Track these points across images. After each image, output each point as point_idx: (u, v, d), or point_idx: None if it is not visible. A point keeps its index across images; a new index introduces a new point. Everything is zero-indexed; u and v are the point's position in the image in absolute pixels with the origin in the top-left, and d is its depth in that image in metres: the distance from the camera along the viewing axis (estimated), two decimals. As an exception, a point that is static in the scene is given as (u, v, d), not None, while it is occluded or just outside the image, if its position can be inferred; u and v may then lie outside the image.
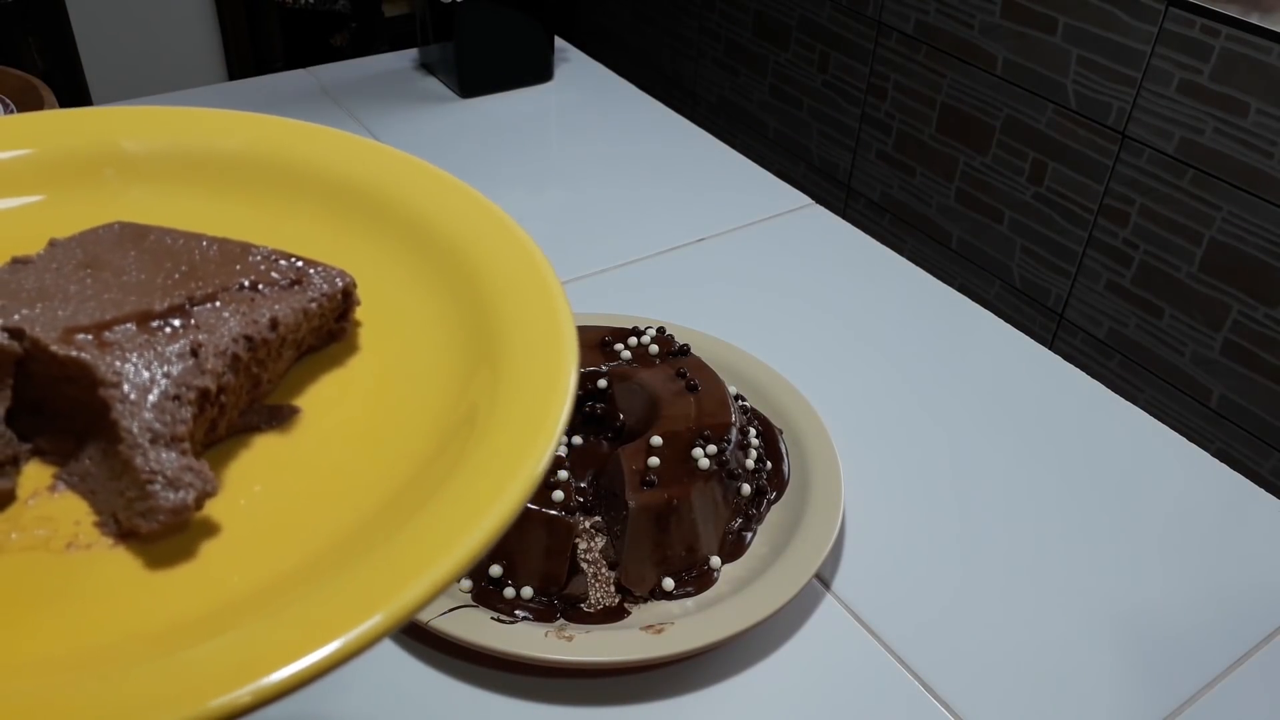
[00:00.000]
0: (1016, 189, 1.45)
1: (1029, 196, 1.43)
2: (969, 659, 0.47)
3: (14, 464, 0.23)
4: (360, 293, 0.28)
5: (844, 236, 0.79)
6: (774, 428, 0.56)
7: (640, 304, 0.69)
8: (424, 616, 0.44)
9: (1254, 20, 1.12)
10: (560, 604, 0.46)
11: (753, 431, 0.55)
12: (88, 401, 0.23)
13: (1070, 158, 1.36)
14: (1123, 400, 0.63)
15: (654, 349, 0.56)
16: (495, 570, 0.47)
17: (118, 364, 0.23)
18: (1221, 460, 0.59)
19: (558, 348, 0.25)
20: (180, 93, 0.95)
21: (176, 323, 0.24)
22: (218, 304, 0.25)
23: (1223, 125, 1.18)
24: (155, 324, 0.24)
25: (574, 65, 1.05)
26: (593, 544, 0.48)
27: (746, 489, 0.51)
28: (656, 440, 0.49)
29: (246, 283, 0.26)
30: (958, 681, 0.46)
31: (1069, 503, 0.56)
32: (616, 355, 0.56)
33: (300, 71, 1.00)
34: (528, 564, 0.47)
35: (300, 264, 0.27)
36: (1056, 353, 0.67)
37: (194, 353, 0.23)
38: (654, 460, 0.48)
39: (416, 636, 0.46)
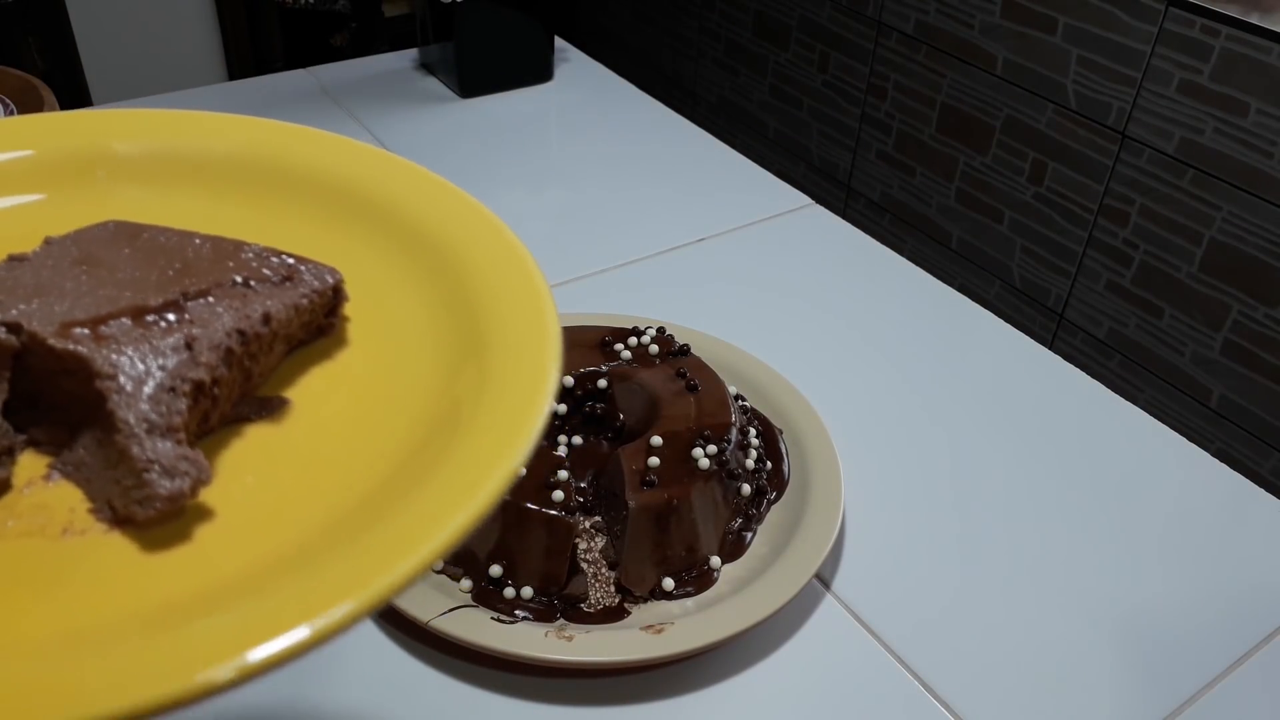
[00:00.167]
0: (1016, 189, 1.45)
1: (1029, 196, 1.43)
2: (969, 659, 0.47)
3: (9, 454, 0.24)
4: (349, 290, 0.28)
5: (844, 236, 0.79)
6: (774, 428, 0.56)
7: (640, 304, 0.69)
8: (424, 616, 0.44)
9: (1254, 20, 1.12)
10: (560, 604, 0.46)
11: (753, 431, 0.55)
12: (84, 394, 0.23)
13: (1070, 158, 1.36)
14: (1123, 400, 0.63)
15: (654, 349, 0.56)
16: (495, 570, 0.47)
17: (114, 357, 0.23)
18: (1221, 460, 0.59)
19: (542, 346, 0.25)
20: (180, 93, 0.95)
21: (171, 317, 0.25)
22: (211, 299, 0.26)
23: (1223, 125, 1.18)
24: (150, 318, 0.25)
25: (574, 65, 1.05)
26: (593, 544, 0.48)
27: (746, 489, 0.51)
28: (656, 440, 0.49)
29: (239, 279, 0.27)
30: (958, 681, 0.46)
31: (1069, 503, 0.56)
32: (616, 355, 0.56)
33: (300, 71, 1.00)
34: (528, 564, 0.47)
35: (291, 261, 0.28)
36: (1056, 353, 0.67)
37: (188, 346, 0.24)
38: (654, 460, 0.48)
39: (417, 636, 0.46)
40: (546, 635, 0.44)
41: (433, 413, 0.24)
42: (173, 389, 0.23)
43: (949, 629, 0.49)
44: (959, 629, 0.49)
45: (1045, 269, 1.45)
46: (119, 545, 0.22)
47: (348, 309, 0.28)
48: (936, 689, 0.46)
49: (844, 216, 0.99)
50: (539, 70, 1.00)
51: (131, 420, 0.22)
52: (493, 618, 0.45)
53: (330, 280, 0.28)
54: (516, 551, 0.47)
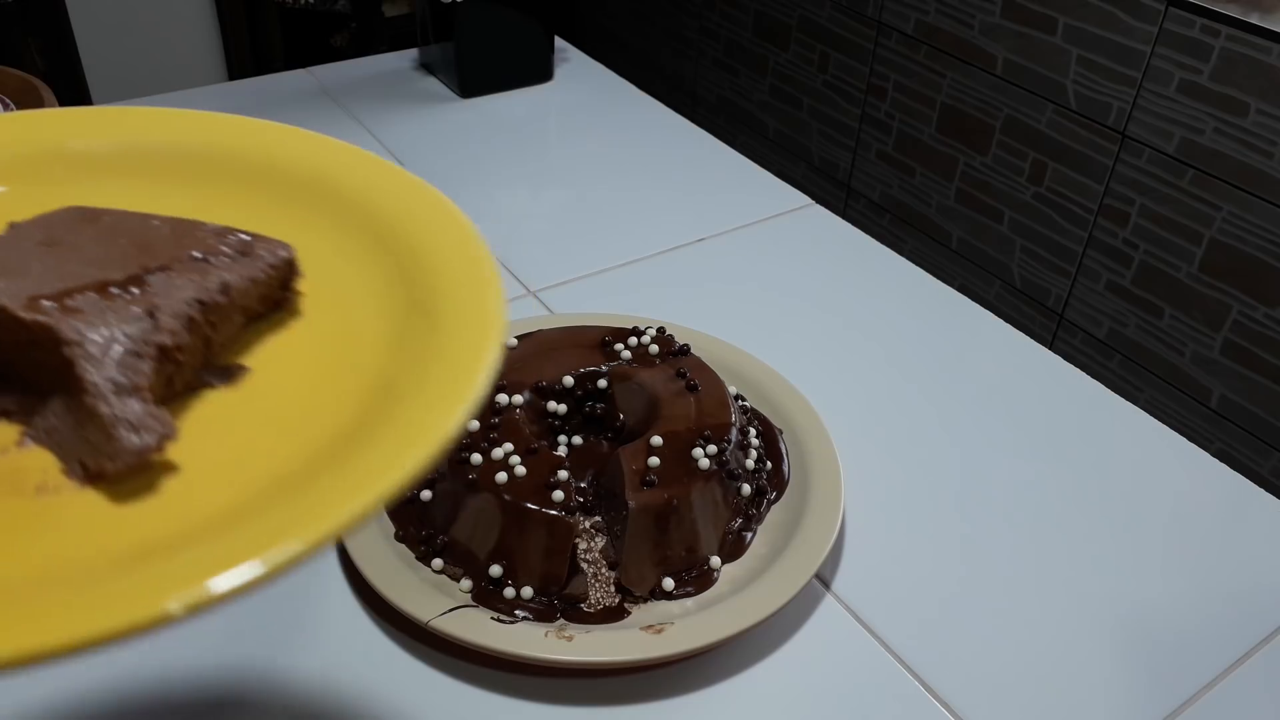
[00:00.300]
0: (1016, 189, 1.45)
1: (1029, 196, 1.43)
2: (969, 659, 0.47)
3: None
4: (303, 267, 0.30)
5: (844, 236, 0.79)
6: (774, 428, 0.56)
7: (640, 304, 0.69)
8: (424, 616, 0.44)
9: (1254, 20, 1.12)
10: (560, 604, 0.46)
11: (753, 431, 0.55)
12: (52, 362, 0.25)
13: (1070, 158, 1.36)
14: (1123, 400, 0.63)
15: (654, 349, 0.56)
16: (495, 570, 0.47)
17: (80, 326, 0.25)
18: (1221, 460, 0.59)
19: (485, 313, 0.27)
20: (180, 93, 0.95)
21: (134, 290, 0.26)
22: (171, 273, 0.27)
23: (1223, 125, 1.18)
24: (114, 291, 0.26)
25: (574, 65, 1.05)
26: (593, 544, 0.48)
27: (746, 489, 0.51)
28: (656, 440, 0.49)
29: (197, 254, 0.28)
30: (958, 681, 0.46)
31: (1069, 502, 0.56)
32: (616, 355, 0.56)
33: (300, 71, 1.00)
34: (528, 564, 0.47)
35: (246, 238, 0.30)
36: (1056, 353, 0.67)
37: (151, 314, 0.26)
38: (654, 460, 0.48)
39: (417, 636, 0.46)
40: (546, 635, 0.44)
41: (380, 378, 0.26)
42: (137, 353, 0.25)
43: (949, 629, 0.49)
44: (959, 629, 0.49)
45: (1045, 269, 1.45)
46: (91, 499, 0.23)
47: (301, 285, 0.30)
48: (936, 689, 0.46)
49: (844, 216, 0.99)
50: (539, 70, 1.00)
51: (99, 382, 0.24)
52: (493, 618, 0.45)
53: (284, 255, 0.29)
54: (516, 551, 0.47)
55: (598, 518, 0.48)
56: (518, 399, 0.52)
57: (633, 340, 0.56)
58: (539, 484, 0.47)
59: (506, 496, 0.47)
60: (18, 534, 0.23)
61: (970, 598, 0.50)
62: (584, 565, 0.47)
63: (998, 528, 0.54)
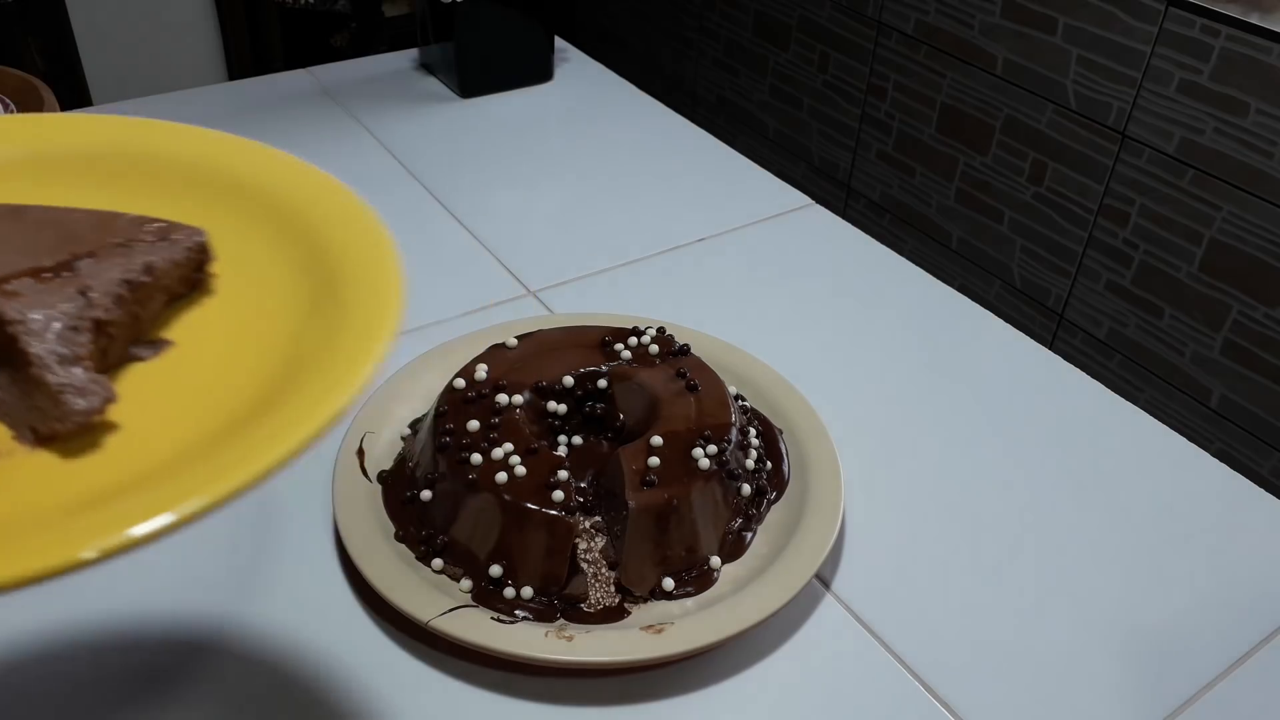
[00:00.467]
0: (1016, 189, 1.45)
1: (1029, 196, 1.43)
2: (969, 659, 0.47)
3: None
4: (217, 252, 0.33)
5: (844, 236, 0.79)
6: (774, 428, 0.56)
7: (640, 304, 0.69)
8: (424, 616, 0.44)
9: (1254, 20, 1.12)
10: (560, 604, 0.46)
11: (753, 431, 0.55)
12: None
13: (1070, 158, 1.36)
14: (1123, 400, 0.63)
15: (654, 349, 0.56)
16: (495, 570, 0.47)
17: (21, 306, 0.27)
18: (1221, 460, 0.59)
19: (386, 294, 0.30)
20: (180, 93, 0.95)
21: (66, 274, 0.29)
22: (98, 258, 0.30)
23: (1223, 125, 1.18)
24: (47, 275, 0.29)
25: (574, 65, 1.05)
26: (593, 544, 0.48)
27: (746, 489, 0.51)
28: (657, 440, 0.49)
29: (120, 241, 0.31)
30: (958, 681, 0.46)
31: (1069, 502, 0.56)
32: (616, 355, 0.56)
33: (300, 71, 1.00)
34: (528, 564, 0.47)
35: (163, 225, 0.32)
36: (1056, 353, 0.67)
37: (84, 294, 0.29)
38: (654, 460, 0.48)
39: (417, 636, 0.46)
40: (546, 635, 0.44)
41: (290, 350, 0.30)
42: (75, 327, 0.28)
43: (949, 629, 0.49)
44: (959, 629, 0.49)
45: (1045, 269, 1.45)
46: (43, 459, 0.26)
47: (215, 268, 0.33)
48: (936, 689, 0.46)
49: (844, 216, 0.99)
50: (539, 70, 1.00)
51: (43, 354, 0.26)
52: (493, 618, 0.45)
53: (198, 238, 0.33)
54: (516, 551, 0.47)
55: (598, 518, 0.48)
56: (518, 399, 0.52)
57: (633, 340, 0.57)
58: (539, 484, 0.47)
59: (506, 496, 0.47)
60: None
61: (970, 598, 0.50)
62: (584, 565, 0.47)
63: (998, 528, 0.54)
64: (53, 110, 0.79)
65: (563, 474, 0.48)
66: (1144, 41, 1.23)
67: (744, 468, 0.52)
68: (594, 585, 0.47)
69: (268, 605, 0.47)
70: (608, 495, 0.49)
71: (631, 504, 0.47)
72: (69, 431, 0.26)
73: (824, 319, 0.69)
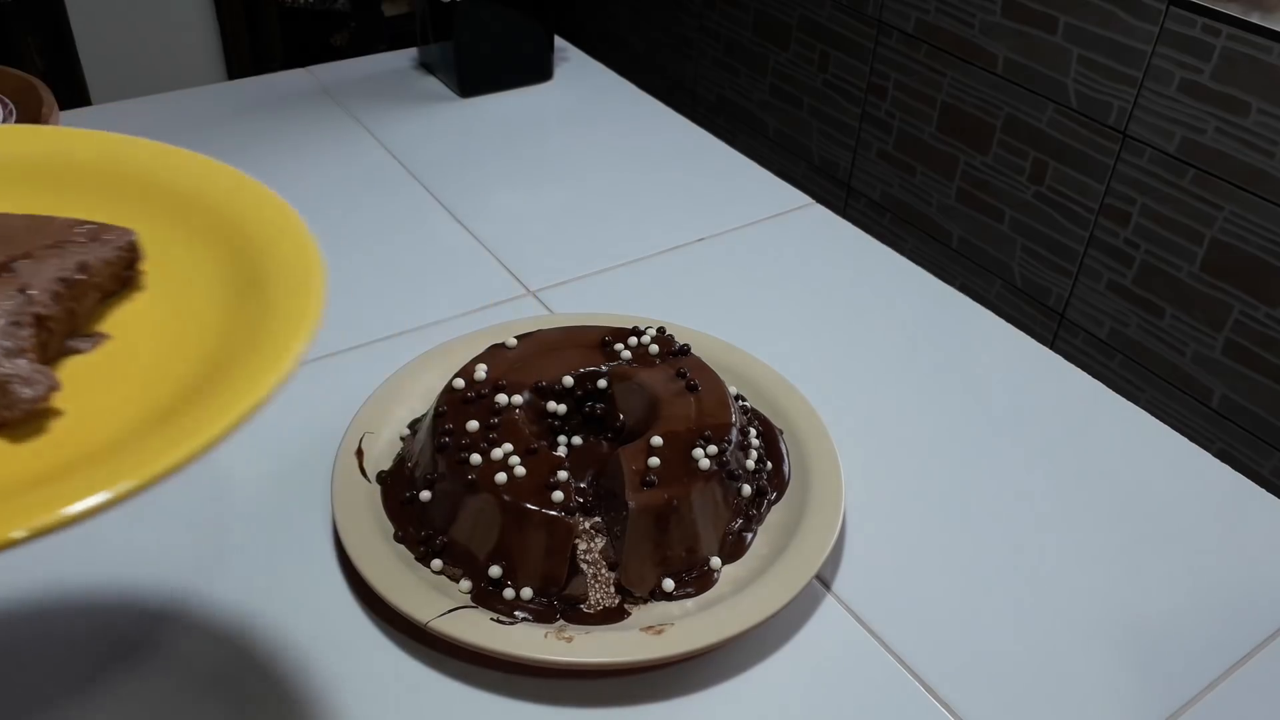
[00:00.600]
0: (1017, 188, 1.45)
1: (1029, 196, 1.43)
2: (969, 659, 0.47)
3: None
4: (147, 253, 0.35)
5: (844, 236, 0.79)
6: (774, 428, 0.56)
7: (640, 304, 0.69)
8: (424, 617, 0.44)
9: (1255, 20, 1.12)
10: (560, 605, 0.46)
11: (753, 431, 0.55)
12: None
13: (1071, 157, 1.36)
14: (1124, 400, 0.63)
15: (654, 349, 0.56)
16: (495, 571, 0.46)
17: None
18: (1222, 460, 0.59)
19: (307, 288, 0.32)
20: (179, 92, 0.95)
21: (6, 275, 0.31)
22: (34, 260, 0.32)
23: (1224, 125, 1.18)
24: None
25: (574, 65, 1.05)
26: (593, 544, 0.48)
27: (747, 489, 0.51)
28: (657, 440, 0.49)
29: (54, 242, 0.33)
30: (958, 681, 0.46)
31: (1069, 502, 0.56)
32: (616, 355, 0.55)
33: (299, 71, 1.00)
34: (527, 565, 0.47)
35: (93, 226, 0.34)
36: (1057, 352, 0.67)
37: (23, 291, 0.30)
38: (654, 460, 0.48)
39: (416, 637, 0.46)
40: (546, 636, 0.44)
41: (218, 341, 0.32)
42: (17, 322, 0.29)
43: (949, 629, 0.48)
44: (959, 629, 0.49)
45: (1046, 268, 1.45)
46: None
47: (146, 267, 0.35)
48: (936, 689, 0.46)
49: (844, 216, 0.99)
50: (539, 70, 1.00)
51: None
52: (492, 618, 0.45)
53: (128, 238, 0.34)
54: (516, 552, 0.47)
55: (598, 518, 0.48)
56: (518, 399, 0.52)
57: (633, 340, 0.56)
58: (539, 484, 0.47)
59: (506, 497, 0.47)
60: None
61: (970, 598, 0.50)
62: (584, 566, 0.47)
63: (998, 528, 0.54)
64: (52, 110, 0.79)
65: (562, 474, 0.48)
66: (1145, 41, 1.23)
67: (744, 468, 0.52)
68: (594, 586, 0.47)
69: (267, 605, 0.47)
70: (608, 495, 0.49)
71: (631, 504, 0.47)
72: (16, 419, 0.28)
73: (824, 319, 0.69)
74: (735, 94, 1.93)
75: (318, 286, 0.32)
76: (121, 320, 0.34)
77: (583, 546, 0.47)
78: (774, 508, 0.52)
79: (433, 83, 0.99)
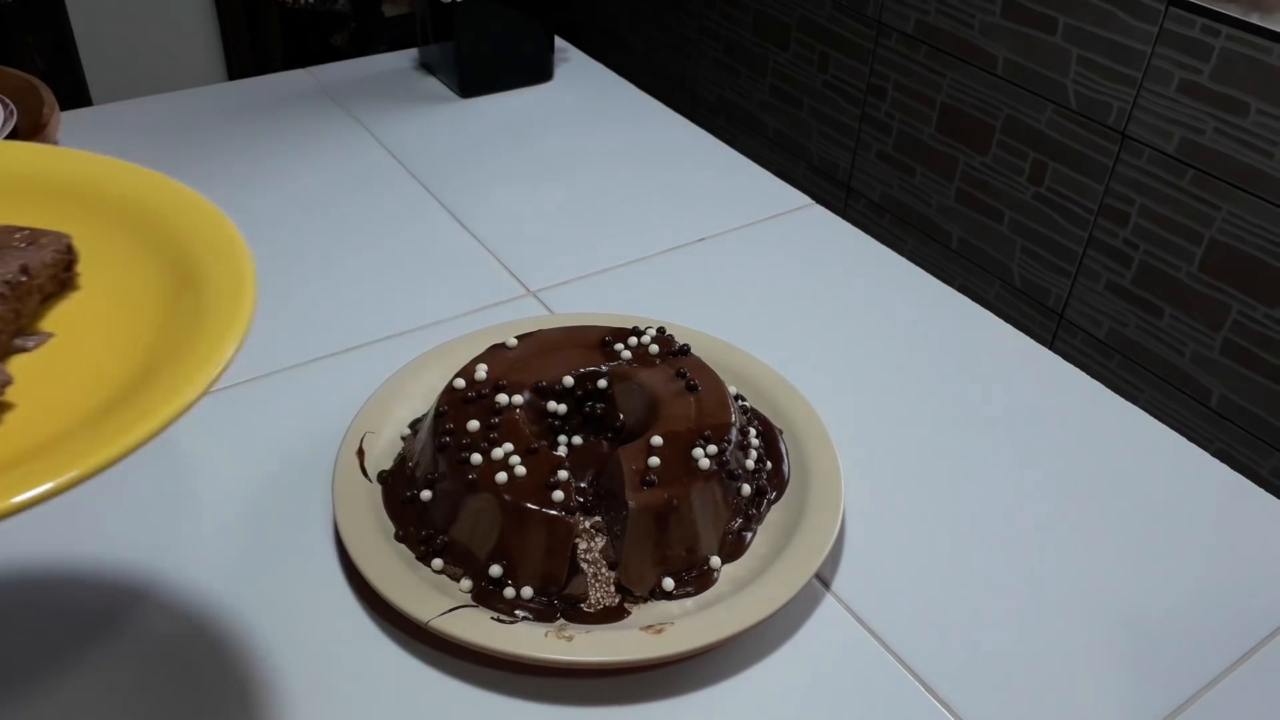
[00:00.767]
0: (1016, 189, 1.45)
1: (1029, 196, 1.43)
2: (969, 659, 0.47)
3: None
4: (83, 256, 0.37)
5: (844, 236, 0.79)
6: (774, 428, 0.56)
7: (640, 304, 0.69)
8: (424, 616, 0.44)
9: (1254, 20, 1.12)
10: (560, 604, 0.46)
11: (753, 431, 0.55)
12: None
13: (1070, 158, 1.36)
14: (1123, 400, 0.63)
15: (654, 349, 0.56)
16: (495, 570, 0.47)
17: None
18: (1221, 460, 0.59)
19: (240, 285, 0.34)
20: (179, 93, 0.95)
21: None
22: None
23: (1223, 125, 1.18)
24: None
25: (574, 65, 1.05)
26: (593, 544, 0.48)
27: (746, 489, 0.51)
28: (657, 440, 0.49)
29: None
30: (958, 681, 0.46)
31: (1069, 502, 0.56)
32: (616, 355, 0.56)
33: (300, 71, 1.00)
34: (528, 564, 0.47)
35: (30, 231, 0.36)
36: (1056, 353, 0.67)
37: None
38: (654, 460, 0.48)
39: (417, 636, 0.46)
40: (546, 635, 0.44)
41: (152, 342, 0.33)
42: None
43: (949, 629, 0.49)
44: (959, 629, 0.49)
45: (1045, 269, 1.45)
46: None
47: (82, 269, 0.37)
48: (936, 689, 0.46)
49: (844, 216, 0.99)
50: (539, 70, 1.00)
51: None
52: (493, 618, 0.45)
53: (65, 240, 0.36)
54: (516, 551, 0.47)
55: (598, 518, 0.48)
56: (518, 399, 0.52)
57: (633, 340, 0.57)
58: (539, 484, 0.47)
59: (506, 496, 0.47)
60: None
61: (970, 597, 0.50)
62: (584, 565, 0.47)
63: (997, 528, 0.54)
64: (53, 110, 0.79)
65: (563, 474, 0.48)
66: (1144, 41, 1.23)
67: (744, 468, 0.52)
68: (594, 585, 0.47)
69: (267, 604, 0.47)
70: (608, 495, 0.49)
71: (631, 504, 0.47)
72: None
73: (824, 319, 0.69)
74: (735, 94, 1.93)
75: (249, 284, 0.34)
76: (62, 320, 0.35)
77: (583, 546, 0.47)
78: (774, 507, 0.52)
79: (433, 83, 0.99)
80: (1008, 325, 0.69)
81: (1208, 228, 1.23)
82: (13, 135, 0.76)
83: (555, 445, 0.53)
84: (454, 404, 0.51)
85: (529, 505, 0.46)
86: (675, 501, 0.47)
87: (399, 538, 0.49)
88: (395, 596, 0.45)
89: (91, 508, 0.52)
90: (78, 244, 0.37)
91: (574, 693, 0.45)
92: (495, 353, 0.56)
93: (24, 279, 0.34)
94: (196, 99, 0.94)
